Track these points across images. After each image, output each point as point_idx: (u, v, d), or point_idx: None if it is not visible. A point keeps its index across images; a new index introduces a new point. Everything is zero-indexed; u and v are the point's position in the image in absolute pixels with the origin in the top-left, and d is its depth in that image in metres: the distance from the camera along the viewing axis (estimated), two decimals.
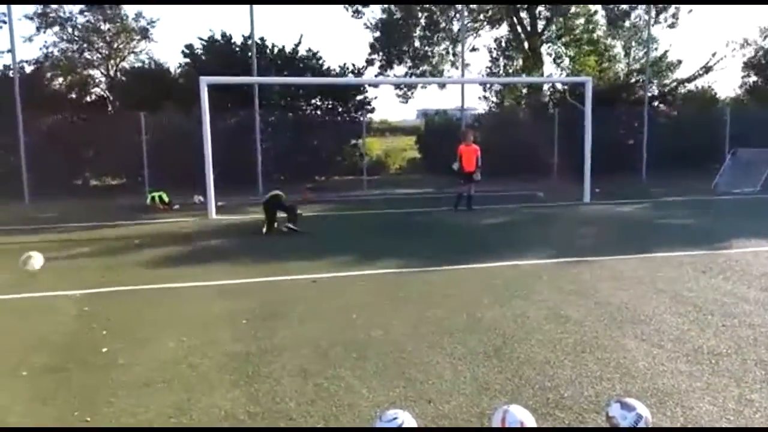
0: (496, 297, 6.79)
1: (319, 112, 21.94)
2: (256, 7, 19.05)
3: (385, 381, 4.58)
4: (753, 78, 25.92)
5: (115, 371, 4.87)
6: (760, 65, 25.55)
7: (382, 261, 8.85)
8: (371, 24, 25.00)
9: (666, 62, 25.16)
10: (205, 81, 13.70)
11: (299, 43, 21.07)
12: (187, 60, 21.11)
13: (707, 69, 24.23)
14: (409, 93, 26.36)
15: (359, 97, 21.82)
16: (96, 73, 24.12)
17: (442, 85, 26.20)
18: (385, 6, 24.64)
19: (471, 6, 25.09)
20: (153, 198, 15.15)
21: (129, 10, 23.99)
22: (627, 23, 25.29)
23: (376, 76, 25.21)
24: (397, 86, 26.10)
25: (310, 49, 21.33)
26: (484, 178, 14.28)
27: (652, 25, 23.65)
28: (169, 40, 68.01)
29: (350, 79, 22.01)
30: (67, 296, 7.19)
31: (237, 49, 20.45)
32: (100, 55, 24.12)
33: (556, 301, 6.58)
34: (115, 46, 24.30)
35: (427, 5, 24.61)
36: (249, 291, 7.33)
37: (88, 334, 5.81)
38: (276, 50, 21.02)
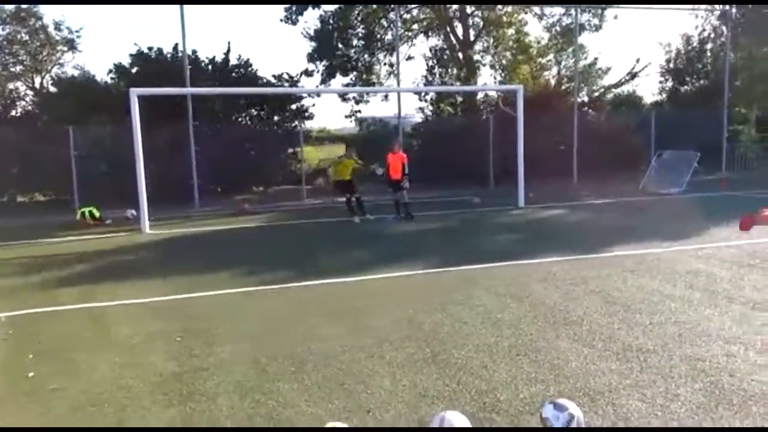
0: (433, 303, 6.85)
1: (256, 122, 21.71)
2: (187, 15, 18.72)
3: (324, 393, 4.56)
4: (670, 83, 27.09)
5: (44, 397, 4.68)
6: (675, 70, 26.71)
7: (320, 271, 8.79)
8: (307, 34, 24.92)
9: (595, 69, 25.98)
10: (135, 93, 13.35)
11: (228, 50, 20.83)
12: (118, 71, 20.56)
13: (633, 75, 25.18)
14: (356, 108, 26.07)
15: (294, 106, 21.70)
16: (21, 86, 23.23)
17: (384, 95, 26.21)
18: (321, 13, 24.62)
19: (405, 15, 25.32)
20: (83, 213, 14.62)
21: (49, 20, 23.24)
22: (563, 39, 25.90)
23: (317, 86, 25.07)
24: (343, 98, 25.91)
25: (240, 56, 21.06)
26: (422, 185, 14.38)
27: (580, 34, 24.40)
28: (98, 51, 65.99)
29: (287, 88, 21.87)
30: None
31: (169, 57, 20.03)
32: (23, 68, 23.21)
33: (492, 305, 6.69)
34: (40, 58, 23.43)
35: (363, 13, 24.70)
36: (183, 307, 7.17)
37: (14, 358, 5.57)
38: (209, 60, 20.72)
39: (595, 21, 25.54)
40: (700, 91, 25.58)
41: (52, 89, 22.05)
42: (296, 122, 21.73)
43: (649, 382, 4.57)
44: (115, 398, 4.60)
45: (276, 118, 21.68)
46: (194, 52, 20.14)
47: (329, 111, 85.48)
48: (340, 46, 24.93)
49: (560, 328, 5.87)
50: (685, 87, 26.78)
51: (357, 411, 4.24)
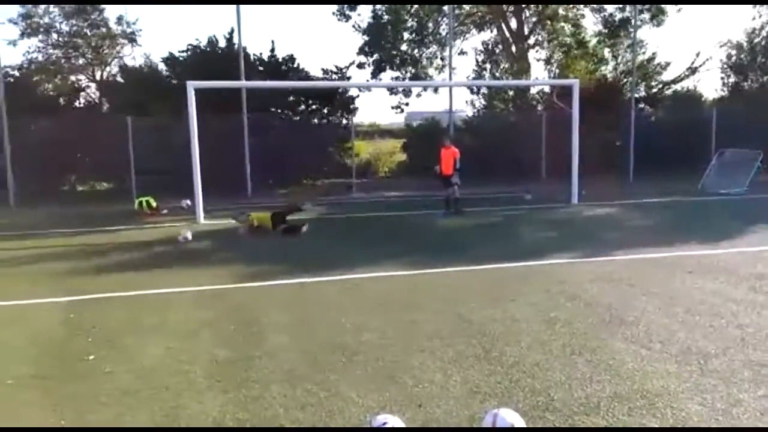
0: (484, 299, 6.78)
1: (306, 116, 21.92)
2: (243, 11, 19.02)
3: (374, 385, 4.55)
4: (733, 79, 26.06)
5: (102, 379, 4.82)
6: (738, 65, 25.68)
7: (370, 265, 8.80)
8: (359, 27, 24.96)
9: (653, 64, 25.26)
10: (192, 85, 13.62)
11: (273, 48, 21.27)
12: (174, 64, 21.06)
13: (693, 70, 24.40)
14: (403, 101, 25.99)
15: (346, 96, 21.91)
16: (83, 78, 24.02)
17: (434, 89, 26.09)
18: (374, 8, 24.60)
19: (459, 10, 25.11)
20: (140, 203, 15.02)
21: (111, 14, 23.99)
22: (622, 32, 25.19)
23: (368, 79, 25.14)
24: (392, 92, 25.90)
25: (291, 55, 21.44)
26: (473, 180, 14.21)
27: (639, 27, 23.76)
28: (156, 45, 67.68)
29: (339, 82, 22.00)
30: (54, 303, 7.12)
31: (221, 51, 20.43)
32: (85, 60, 23.97)
33: (545, 303, 6.58)
34: (102, 50, 24.15)
35: (415, 8, 24.61)
36: (236, 296, 7.29)
37: (74, 341, 5.75)
38: (262, 54, 21.07)
39: (654, 15, 24.79)
40: (765, 87, 24.56)
41: (118, 79, 22.71)
42: (347, 117, 21.88)
43: (709, 387, 4.42)
44: (171, 383, 4.69)
45: (327, 111, 21.89)
46: (244, 49, 20.52)
47: (378, 105, 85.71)
48: (391, 40, 24.90)
49: (616, 327, 5.73)
50: (748, 83, 25.75)
51: (408, 404, 4.23)
